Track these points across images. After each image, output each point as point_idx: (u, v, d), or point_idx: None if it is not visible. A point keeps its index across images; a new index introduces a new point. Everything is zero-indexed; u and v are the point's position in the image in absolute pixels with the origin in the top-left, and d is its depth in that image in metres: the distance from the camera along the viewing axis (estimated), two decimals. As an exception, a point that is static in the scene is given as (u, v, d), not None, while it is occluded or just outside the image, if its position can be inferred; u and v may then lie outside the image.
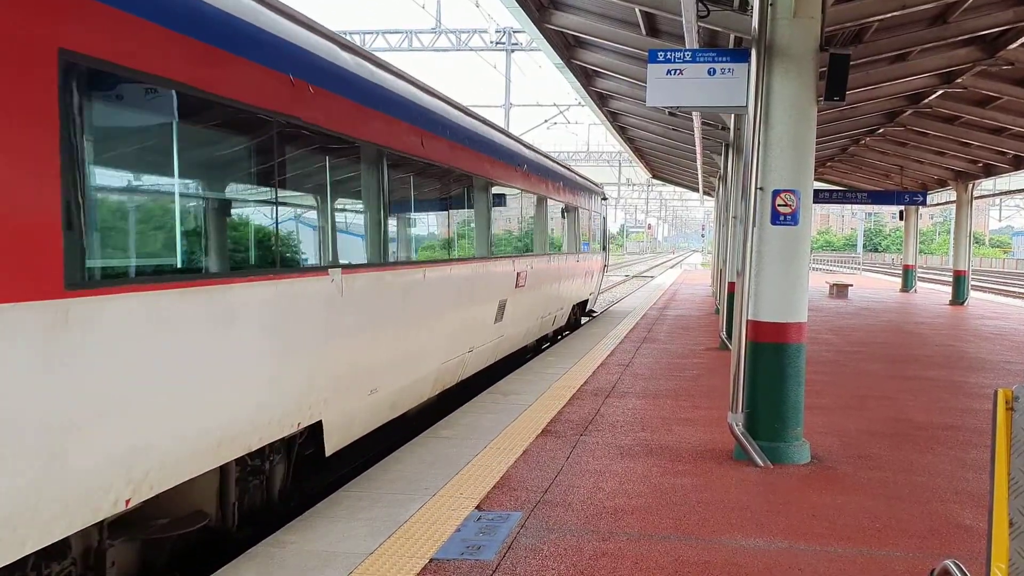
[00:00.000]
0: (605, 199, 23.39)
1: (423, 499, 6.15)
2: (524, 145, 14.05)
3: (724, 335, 15.05)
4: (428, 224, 9.81)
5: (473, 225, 10.72)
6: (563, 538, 5.42)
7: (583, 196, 19.06)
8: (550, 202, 15.24)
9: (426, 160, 8.57)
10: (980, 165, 25.92)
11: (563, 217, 17.00)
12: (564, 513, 5.90)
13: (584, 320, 21.24)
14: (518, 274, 12.35)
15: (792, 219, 7.32)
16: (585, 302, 20.80)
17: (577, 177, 19.05)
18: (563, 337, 18.06)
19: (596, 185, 22.04)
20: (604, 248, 23.26)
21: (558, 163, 17.16)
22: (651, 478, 6.82)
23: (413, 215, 9.19)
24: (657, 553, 5.20)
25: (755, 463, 7.24)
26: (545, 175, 14.86)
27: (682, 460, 7.40)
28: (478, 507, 5.99)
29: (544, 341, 17.08)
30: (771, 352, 7.42)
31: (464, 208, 10.42)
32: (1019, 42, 12.75)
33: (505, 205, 12.57)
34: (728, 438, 7.74)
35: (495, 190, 11.48)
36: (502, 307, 11.54)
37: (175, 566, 5.66)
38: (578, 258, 18.10)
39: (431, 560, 5.00)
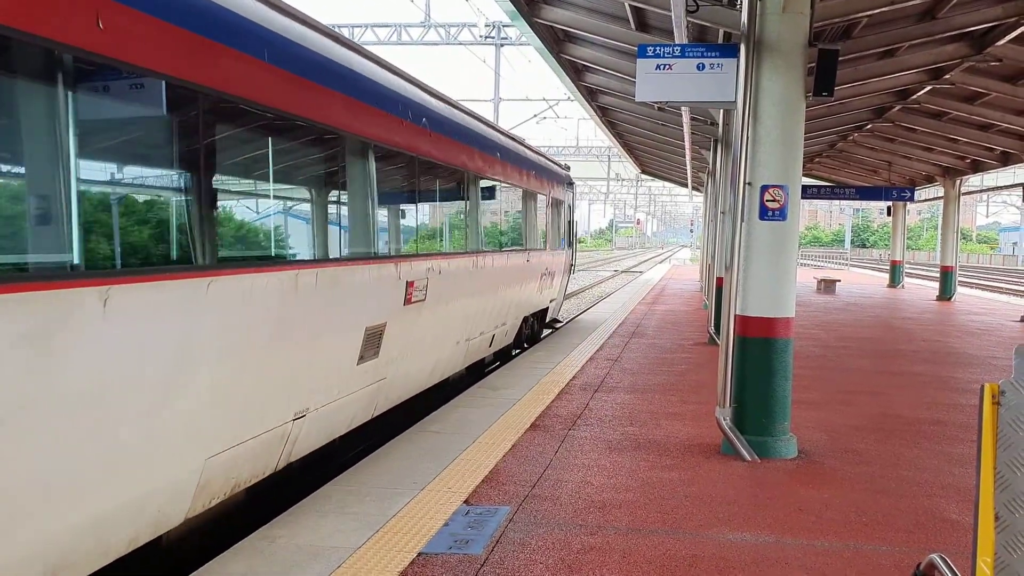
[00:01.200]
0: (572, 184, 19.20)
1: (412, 493, 6.14)
2: (431, 94, 9.47)
3: (712, 330, 15.08)
4: (150, 203, 5.09)
5: (294, 204, 6.63)
6: (551, 532, 5.42)
7: (538, 177, 14.83)
8: (481, 181, 11.11)
9: (147, 71, 4.40)
10: (968, 161, 26.03)
11: (505, 202, 13.03)
12: (552, 507, 5.90)
13: (546, 333, 17.62)
14: (410, 284, 8.10)
15: (780, 214, 7.34)
16: (545, 311, 16.87)
17: (528, 152, 14.68)
18: (517, 355, 14.67)
19: (559, 166, 18.06)
20: (570, 244, 18.78)
21: (500, 131, 12.91)
22: (639, 472, 6.83)
23: (84, 183, 4.25)
24: (645, 547, 5.21)
25: (742, 457, 7.27)
26: (470, 142, 10.45)
27: (670, 454, 7.41)
28: (466, 501, 5.99)
29: (482, 366, 13.05)
30: (759, 347, 7.44)
31: (266, 175, 6.14)
32: (1007, 38, 12.80)
33: (381, 177, 7.84)
34: (716, 432, 7.76)
35: (357, 153, 7.22)
36: (376, 337, 7.41)
37: (163, 559, 5.64)
38: (528, 256, 13.93)
39: (419, 554, 5.00)
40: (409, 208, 9.02)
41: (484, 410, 9.01)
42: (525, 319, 14.80)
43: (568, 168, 19.22)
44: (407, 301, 8.14)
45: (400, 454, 7.21)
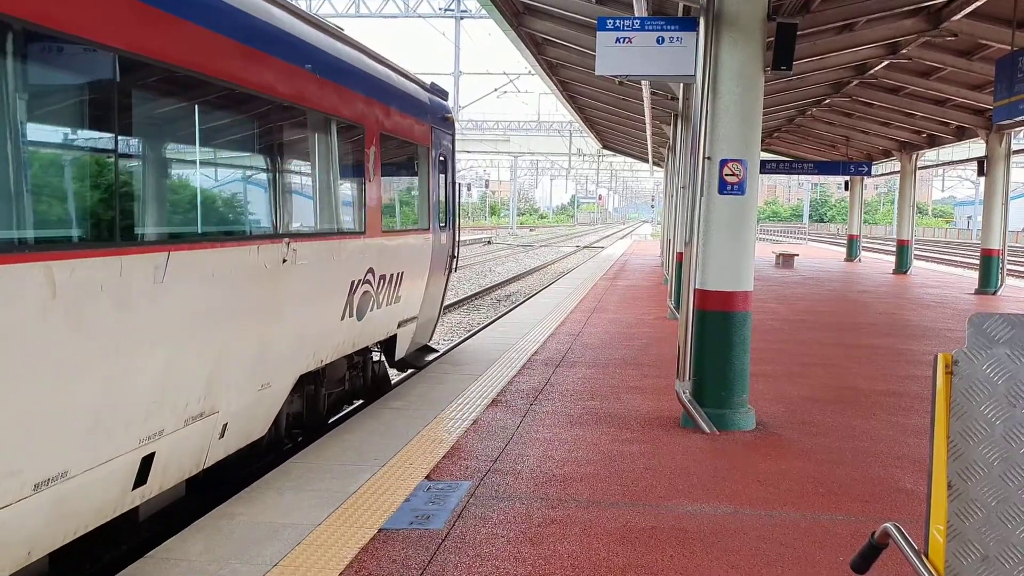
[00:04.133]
0: (449, 120, 11.20)
1: (373, 470, 6.12)
2: None
3: (672, 304, 15.16)
4: None
5: None
6: (512, 506, 5.43)
7: (347, 87, 7.56)
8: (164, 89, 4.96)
9: None
10: (924, 136, 26.34)
11: (181, 124, 5.31)
12: (514, 481, 5.92)
13: (407, 373, 11.14)
14: None
15: (739, 189, 7.37)
16: (392, 342, 9.46)
17: (338, 47, 7.54)
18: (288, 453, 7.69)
19: (422, 86, 10.29)
20: (448, 223, 11.16)
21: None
22: (600, 446, 6.86)
23: None
24: (605, 520, 5.24)
25: (702, 430, 7.33)
26: None
27: (630, 428, 7.45)
28: (428, 477, 5.98)
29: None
30: (718, 320, 7.48)
31: None
32: (962, 13, 12.93)
33: None
34: (676, 406, 7.81)
35: None
36: None
37: (121, 538, 5.58)
38: (287, 251, 6.33)
39: (380, 530, 4.98)
40: None
41: (446, 386, 8.99)
42: (315, 375, 7.65)
43: (444, 95, 11.34)
44: None
45: (361, 431, 7.18)
